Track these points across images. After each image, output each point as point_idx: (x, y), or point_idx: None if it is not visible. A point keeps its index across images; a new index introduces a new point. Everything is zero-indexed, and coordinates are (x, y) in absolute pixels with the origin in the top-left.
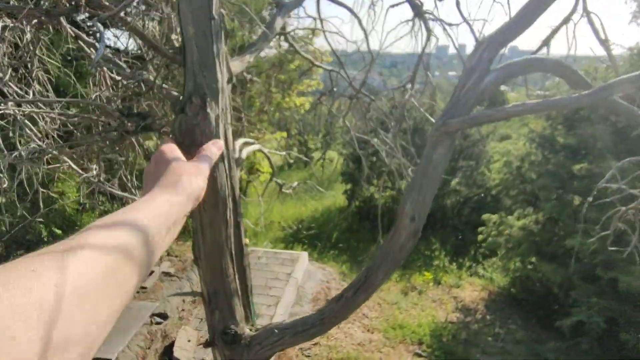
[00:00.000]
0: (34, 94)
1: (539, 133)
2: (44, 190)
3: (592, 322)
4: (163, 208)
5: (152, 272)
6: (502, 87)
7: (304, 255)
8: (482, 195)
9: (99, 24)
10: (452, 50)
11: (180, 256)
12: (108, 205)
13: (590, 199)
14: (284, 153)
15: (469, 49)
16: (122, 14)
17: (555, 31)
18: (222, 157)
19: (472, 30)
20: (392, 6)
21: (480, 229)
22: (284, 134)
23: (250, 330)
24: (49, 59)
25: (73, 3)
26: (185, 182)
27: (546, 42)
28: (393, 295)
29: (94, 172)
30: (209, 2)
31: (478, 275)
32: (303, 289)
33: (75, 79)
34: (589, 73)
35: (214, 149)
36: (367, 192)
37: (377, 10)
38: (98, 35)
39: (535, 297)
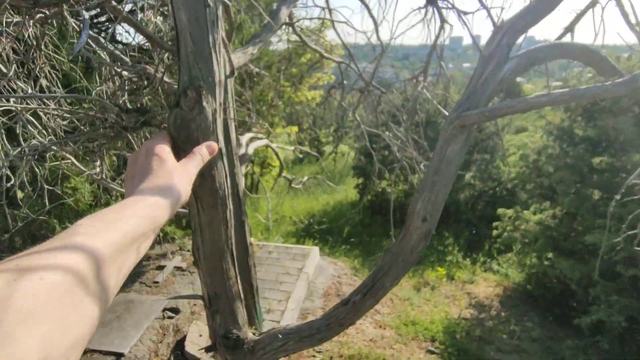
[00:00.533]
0: (41, 90)
1: (556, 125)
2: (50, 188)
3: (613, 321)
4: (146, 213)
5: (164, 266)
6: (518, 79)
7: (315, 250)
8: (497, 189)
9: (84, 12)
10: (466, 41)
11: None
12: (121, 199)
13: (617, 196)
14: (291, 148)
15: (485, 40)
16: (119, 5)
17: (580, 16)
18: (221, 155)
19: (490, 16)
20: None
21: (495, 223)
22: (296, 128)
23: (254, 334)
24: (55, 55)
25: None
26: (171, 184)
27: (570, 29)
28: (405, 291)
29: (97, 170)
30: (208, 1)
31: (493, 271)
32: (314, 284)
33: (81, 74)
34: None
35: (205, 150)
36: (379, 187)
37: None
38: (82, 23)
39: (552, 294)
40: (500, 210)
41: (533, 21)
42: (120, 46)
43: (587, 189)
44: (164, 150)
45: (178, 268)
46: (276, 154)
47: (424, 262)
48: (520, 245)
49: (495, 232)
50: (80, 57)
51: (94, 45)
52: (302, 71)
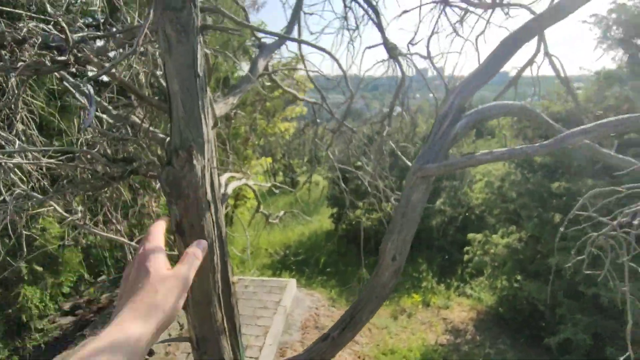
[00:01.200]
0: (17, 135)
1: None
2: (27, 232)
3: (579, 339)
4: (128, 343)
5: None
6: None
7: (292, 282)
8: (467, 214)
9: (89, 86)
10: (432, 72)
11: None
12: (91, 239)
13: (561, 229)
14: (268, 185)
15: (448, 72)
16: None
17: (520, 72)
18: (209, 206)
19: (443, 82)
20: (369, 47)
21: (466, 248)
22: (269, 160)
23: None
24: (32, 99)
25: (61, 60)
26: (156, 304)
27: (513, 83)
28: (383, 319)
29: (79, 215)
30: (193, 60)
31: (466, 295)
32: (292, 316)
33: (59, 117)
34: (562, 95)
35: (198, 251)
36: (353, 216)
37: (356, 45)
38: (87, 97)
39: (522, 315)
40: (470, 235)
41: (481, 83)
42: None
43: (548, 212)
44: (156, 261)
45: None
46: (254, 192)
47: (399, 290)
48: (491, 269)
49: (466, 257)
50: (56, 97)
51: (73, 90)
52: (276, 105)
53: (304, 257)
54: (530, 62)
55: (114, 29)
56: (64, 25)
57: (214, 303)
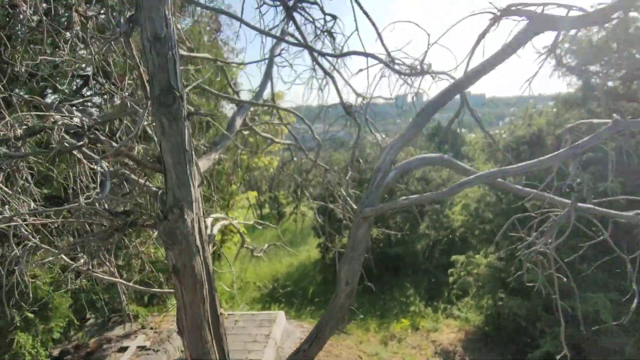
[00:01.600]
0: (18, 191)
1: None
2: (21, 280)
3: (559, 352)
4: None
5: (126, 347)
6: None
7: (281, 314)
8: (450, 237)
9: (104, 163)
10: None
11: (156, 328)
12: (79, 283)
13: (491, 248)
14: (251, 222)
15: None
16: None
17: (449, 125)
18: (197, 248)
19: (378, 144)
20: (329, 106)
21: (450, 270)
22: (255, 193)
23: None
24: (33, 158)
25: (79, 145)
26: None
27: (444, 132)
28: (373, 346)
29: (82, 261)
30: (182, 140)
31: (454, 317)
32: (282, 349)
33: (55, 171)
34: (526, 120)
35: None
36: (339, 244)
37: (324, 93)
38: (103, 174)
39: (506, 332)
40: (453, 257)
41: (406, 143)
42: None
43: (524, 230)
44: None
45: (141, 347)
46: (237, 230)
47: (388, 315)
48: (475, 289)
49: (451, 279)
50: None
51: (86, 163)
52: (258, 141)
53: (292, 289)
54: (457, 115)
55: (111, 110)
56: (79, 115)
57: (205, 329)
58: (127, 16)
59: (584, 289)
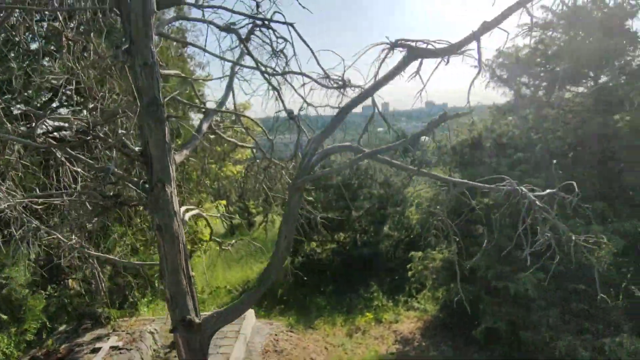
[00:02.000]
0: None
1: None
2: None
3: (498, 328)
4: None
5: (99, 348)
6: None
7: (251, 312)
8: (411, 236)
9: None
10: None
11: (128, 329)
12: (51, 290)
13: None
14: (218, 215)
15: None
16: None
17: (363, 133)
18: (175, 213)
19: (299, 152)
20: (277, 111)
21: (408, 265)
22: (224, 202)
23: (199, 319)
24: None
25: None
26: None
27: (365, 130)
28: (339, 338)
29: (74, 240)
30: (164, 136)
31: (414, 308)
32: (252, 344)
33: (43, 177)
34: (468, 126)
35: None
36: (308, 248)
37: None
38: (105, 162)
39: (457, 317)
40: (411, 253)
41: (326, 136)
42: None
43: (471, 225)
44: None
45: (114, 347)
46: (206, 220)
47: (354, 311)
48: (431, 281)
49: (410, 273)
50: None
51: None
52: (225, 149)
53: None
54: (370, 120)
55: (99, 117)
56: (84, 123)
57: (180, 273)
58: (123, 49)
59: (516, 272)
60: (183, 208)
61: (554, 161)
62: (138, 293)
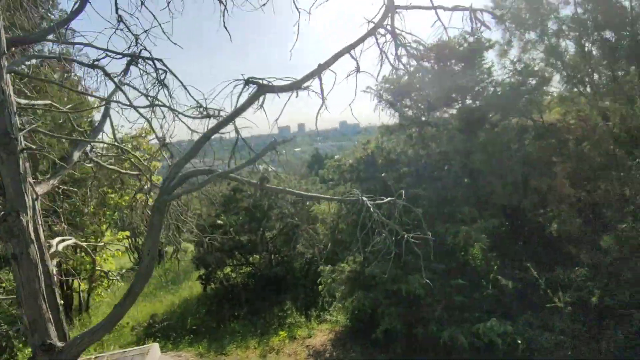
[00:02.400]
0: None
1: (340, 192)
2: None
3: (395, 329)
4: None
5: None
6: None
7: (155, 346)
8: (324, 251)
9: None
10: (293, 129)
11: None
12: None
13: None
14: (101, 244)
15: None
16: None
17: (231, 157)
18: (32, 240)
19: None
20: (156, 138)
21: (318, 280)
22: (127, 233)
23: (61, 343)
24: None
25: None
26: None
27: (232, 153)
28: None
29: None
30: (17, 167)
31: (326, 321)
32: None
33: None
34: (362, 145)
35: None
36: (222, 274)
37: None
38: None
39: (363, 324)
40: (320, 267)
41: (186, 162)
42: None
43: (369, 236)
44: None
45: None
46: (87, 252)
47: (268, 332)
48: (340, 293)
49: (320, 287)
50: None
51: None
52: (122, 177)
53: (170, 322)
54: (235, 145)
55: None
56: None
57: (40, 299)
58: None
59: (408, 274)
60: (57, 239)
61: (434, 172)
62: (17, 342)
